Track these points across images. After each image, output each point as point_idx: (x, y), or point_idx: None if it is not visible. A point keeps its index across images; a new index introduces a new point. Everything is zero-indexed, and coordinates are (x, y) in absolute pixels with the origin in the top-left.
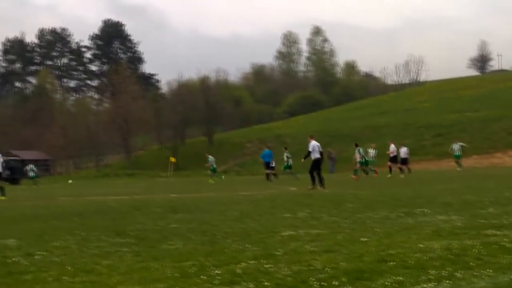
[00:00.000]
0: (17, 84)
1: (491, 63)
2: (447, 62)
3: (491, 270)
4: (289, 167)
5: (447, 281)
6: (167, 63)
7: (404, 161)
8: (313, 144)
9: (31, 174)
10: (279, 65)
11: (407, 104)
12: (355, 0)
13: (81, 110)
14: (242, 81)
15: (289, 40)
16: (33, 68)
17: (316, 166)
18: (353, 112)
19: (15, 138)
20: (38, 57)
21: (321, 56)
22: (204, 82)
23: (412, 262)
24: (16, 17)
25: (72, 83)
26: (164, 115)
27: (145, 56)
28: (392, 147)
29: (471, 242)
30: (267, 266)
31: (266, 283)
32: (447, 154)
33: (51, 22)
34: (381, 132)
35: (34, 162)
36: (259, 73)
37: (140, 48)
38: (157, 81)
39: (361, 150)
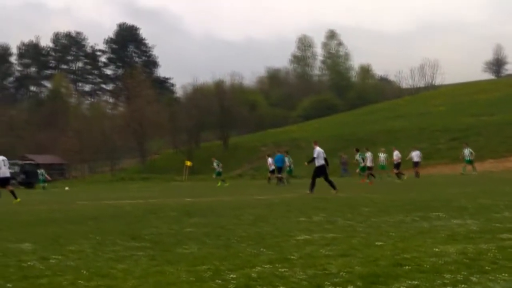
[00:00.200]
0: (32, 88)
1: (507, 66)
2: (462, 66)
3: (506, 274)
4: (290, 171)
5: (463, 285)
6: (181, 67)
7: (416, 165)
8: (318, 150)
9: (40, 178)
10: (294, 69)
11: (422, 108)
12: (369, 4)
13: (96, 114)
14: (257, 85)
15: (304, 44)
16: (48, 72)
17: (320, 172)
18: (368, 116)
19: (30, 142)
20: (53, 61)
21: (336, 60)
22: (219, 86)
23: (428, 266)
24: (31, 21)
25: (87, 87)
26: (179, 119)
27: (159, 60)
28: (396, 153)
29: (486, 246)
30: (282, 270)
31: (281, 287)
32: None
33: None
34: (396, 136)
35: (49, 166)
36: (274, 77)
37: (155, 52)
38: (172, 85)
39: (363, 155)
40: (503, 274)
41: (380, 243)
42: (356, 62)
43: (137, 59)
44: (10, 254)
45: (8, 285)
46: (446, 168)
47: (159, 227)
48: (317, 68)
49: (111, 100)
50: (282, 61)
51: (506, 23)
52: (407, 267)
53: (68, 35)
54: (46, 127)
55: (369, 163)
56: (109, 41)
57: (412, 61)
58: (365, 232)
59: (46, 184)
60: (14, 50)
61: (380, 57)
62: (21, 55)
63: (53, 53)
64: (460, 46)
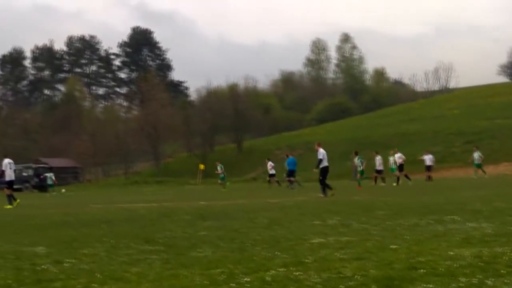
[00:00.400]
0: (46, 91)
1: None
2: (476, 69)
3: None
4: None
5: None
6: (195, 70)
7: (429, 168)
8: (323, 151)
9: (49, 182)
10: (308, 72)
11: (436, 111)
12: (383, 7)
13: (110, 118)
14: (271, 88)
15: (318, 47)
16: (62, 75)
17: (324, 174)
18: (382, 119)
19: (44, 146)
20: (67, 65)
21: (350, 63)
22: (233, 89)
23: (442, 270)
24: (45, 25)
25: (101, 91)
26: (193, 122)
27: (173, 64)
28: (399, 156)
29: (501, 250)
30: (297, 273)
31: None
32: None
33: (79, 30)
34: (411, 139)
35: (63, 169)
36: (288, 80)
37: (169, 55)
38: (186, 88)
39: (362, 159)
40: None
41: (394, 246)
42: (370, 65)
43: (151, 63)
44: (24, 257)
45: None
46: (461, 171)
47: (173, 231)
48: (331, 72)
49: (125, 103)
50: (295, 64)
51: None
52: (422, 270)
53: (81, 39)
54: (60, 131)
55: (378, 167)
56: (123, 45)
57: (427, 64)
58: (380, 236)
59: (55, 187)
60: (28, 53)
61: (394, 60)
62: (35, 59)
63: (67, 57)
64: (475, 49)
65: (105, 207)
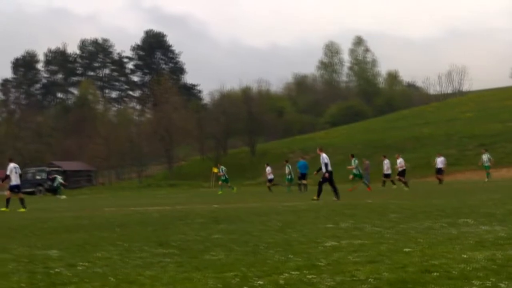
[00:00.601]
0: (59, 95)
1: None
2: (490, 72)
3: None
4: (290, 180)
5: None
6: (208, 73)
7: (440, 171)
8: (326, 156)
9: (56, 184)
10: (321, 75)
11: (450, 114)
12: (396, 11)
13: (123, 121)
14: (284, 91)
15: (331, 50)
16: (75, 79)
17: (327, 178)
18: (396, 122)
19: (57, 149)
20: (80, 68)
21: (363, 66)
22: (246, 92)
23: (456, 273)
24: (57, 28)
25: (114, 94)
26: (206, 125)
27: (186, 67)
28: (400, 161)
29: None
30: (310, 277)
31: None
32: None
33: (92, 33)
34: (424, 143)
35: (77, 172)
36: (301, 83)
37: (181, 58)
38: (199, 91)
39: (356, 162)
40: None
41: (408, 249)
42: (383, 68)
43: (164, 66)
44: (37, 261)
45: None
46: (474, 174)
47: (187, 234)
48: (344, 75)
49: (138, 106)
50: (307, 67)
51: None
52: (435, 273)
53: (94, 42)
54: (73, 134)
55: (386, 171)
56: (136, 48)
57: (440, 67)
58: (393, 239)
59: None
60: (41, 57)
61: (407, 63)
62: (48, 62)
63: (80, 60)
64: (488, 52)
65: (118, 210)
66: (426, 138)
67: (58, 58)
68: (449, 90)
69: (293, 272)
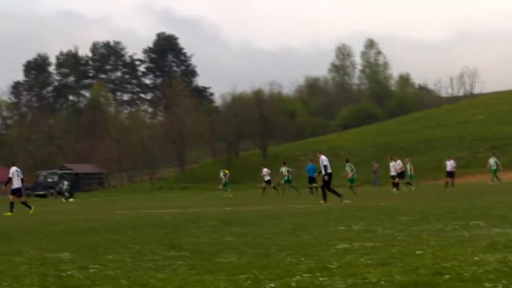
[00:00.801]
0: (71, 97)
1: None
2: (501, 74)
3: None
4: (289, 181)
5: None
6: (219, 76)
7: (451, 174)
8: (326, 158)
9: (64, 189)
10: (332, 77)
11: (461, 116)
12: (408, 13)
13: (135, 123)
14: (296, 93)
15: (343, 52)
16: (87, 81)
17: (327, 180)
18: (407, 125)
19: (69, 152)
20: (91, 71)
21: (375, 69)
22: (257, 95)
23: (468, 275)
24: (69, 31)
25: (126, 96)
26: (218, 128)
27: (198, 69)
28: (398, 163)
29: None
30: (322, 279)
31: None
32: (502, 167)
33: (104, 36)
34: (436, 145)
35: (88, 175)
36: (313, 86)
37: (193, 61)
38: (211, 94)
39: (352, 166)
40: None
41: (420, 252)
42: (395, 71)
43: (175, 69)
44: (49, 263)
45: None
46: (486, 177)
47: (199, 236)
48: (356, 77)
49: (150, 109)
50: (318, 70)
51: None
52: (447, 276)
53: (106, 45)
54: (85, 137)
55: (393, 173)
56: (148, 51)
57: (451, 70)
58: (405, 241)
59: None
60: (52, 59)
61: (419, 66)
62: (59, 65)
63: (91, 63)
64: (500, 54)
65: (130, 213)
66: (438, 140)
67: (70, 60)
68: (461, 93)
69: (305, 275)
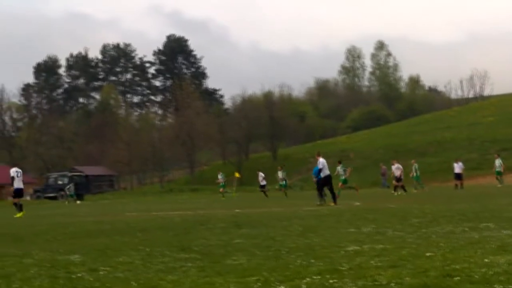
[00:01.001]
0: (81, 99)
1: None
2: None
3: None
4: (284, 185)
5: None
6: (229, 78)
7: (459, 176)
8: (323, 161)
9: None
10: (342, 80)
11: (471, 118)
12: (418, 15)
13: (145, 126)
14: (306, 96)
15: (353, 54)
16: (97, 83)
17: (326, 182)
18: (418, 126)
19: (79, 154)
20: (101, 73)
21: (385, 71)
22: (267, 97)
23: (478, 277)
24: (79, 33)
25: (136, 99)
26: (228, 130)
27: (207, 71)
28: (397, 166)
29: None
30: (332, 281)
31: None
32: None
33: (114, 38)
34: (446, 147)
35: (98, 177)
36: (323, 88)
37: (203, 63)
38: (221, 96)
39: (344, 167)
40: None
41: (430, 254)
42: (405, 73)
43: (185, 71)
44: (59, 265)
45: None
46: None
47: (208, 239)
48: (366, 79)
49: (160, 111)
50: (329, 72)
51: None
52: (457, 278)
53: (116, 47)
54: (95, 139)
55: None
56: (157, 53)
57: (461, 72)
58: (415, 243)
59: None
60: (62, 62)
61: (429, 68)
62: (69, 67)
63: (101, 65)
64: (510, 56)
65: (140, 215)
66: (448, 142)
67: (79, 63)
68: (471, 95)
69: (315, 277)
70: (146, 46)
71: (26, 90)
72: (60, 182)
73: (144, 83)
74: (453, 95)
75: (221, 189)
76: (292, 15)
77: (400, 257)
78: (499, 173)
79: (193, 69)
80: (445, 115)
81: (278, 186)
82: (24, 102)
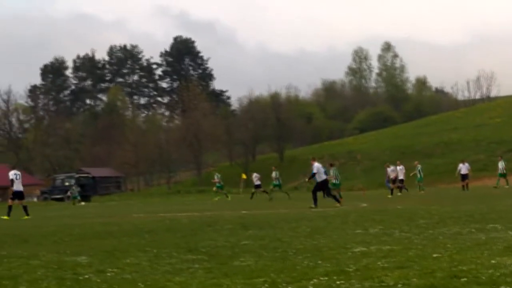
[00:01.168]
0: (88, 101)
1: None
2: None
3: None
4: (278, 185)
5: None
6: (235, 79)
7: (465, 177)
8: (318, 166)
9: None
10: (349, 81)
11: (478, 119)
12: (424, 16)
13: (152, 127)
14: (313, 97)
15: (360, 56)
16: (104, 85)
17: (322, 187)
18: (424, 128)
19: (86, 155)
20: (108, 74)
21: (391, 72)
22: (274, 98)
23: (484, 278)
24: (86, 35)
25: (143, 100)
26: (234, 131)
27: (214, 73)
28: (392, 169)
29: None
30: (339, 282)
31: None
32: None
33: (120, 39)
34: (453, 148)
35: (105, 179)
36: (329, 89)
37: (210, 64)
38: (228, 97)
39: (336, 171)
40: None
41: (436, 255)
42: (411, 74)
43: (192, 72)
44: (66, 267)
45: None
46: (503, 180)
47: (216, 240)
48: (373, 81)
49: (167, 113)
50: (335, 73)
51: None
52: (464, 279)
53: (123, 48)
54: (101, 140)
55: (401, 176)
56: (164, 54)
57: (468, 73)
58: (422, 244)
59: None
60: (69, 63)
61: (435, 69)
62: (76, 68)
63: (108, 66)
64: None
65: (147, 216)
66: (455, 143)
67: (86, 64)
68: (478, 96)
69: (322, 278)
70: (153, 47)
71: (33, 91)
72: (67, 184)
73: (151, 85)
74: (460, 97)
75: (214, 188)
76: (298, 16)
77: (407, 258)
78: (502, 175)
79: (200, 71)
80: (452, 116)
81: (271, 186)
82: (31, 103)
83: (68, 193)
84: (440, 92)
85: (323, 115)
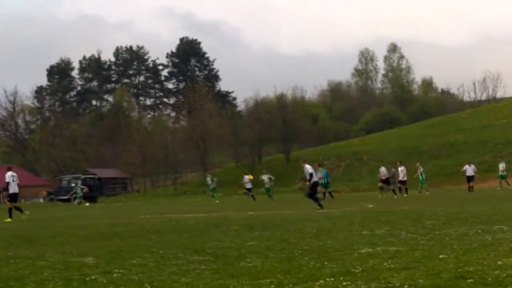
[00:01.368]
0: (94, 102)
1: None
2: None
3: None
4: (267, 189)
5: None
6: (241, 80)
7: (471, 179)
8: (309, 167)
9: (77, 191)
10: (355, 82)
11: (484, 121)
12: (430, 17)
13: (158, 128)
14: (319, 98)
15: (366, 57)
16: (110, 86)
17: (313, 188)
18: (430, 129)
19: (92, 156)
20: (114, 75)
21: (397, 73)
22: (280, 99)
23: (491, 279)
24: (92, 36)
25: (149, 101)
26: (241, 132)
27: (220, 74)
28: (383, 170)
29: None
30: (345, 283)
31: None
32: None
33: (126, 40)
34: (459, 150)
35: (112, 180)
36: (335, 90)
37: (216, 65)
38: (234, 98)
39: (324, 171)
40: None
41: (443, 256)
42: (418, 75)
43: (198, 73)
44: (73, 268)
45: None
46: (509, 181)
47: (222, 241)
48: (379, 82)
49: (173, 114)
50: (341, 74)
51: None
52: (470, 280)
53: (129, 49)
54: (108, 141)
55: (402, 178)
56: (170, 55)
57: (474, 74)
58: (428, 245)
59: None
60: (75, 64)
61: (441, 70)
62: (82, 69)
63: (114, 67)
64: None
65: (153, 217)
66: (461, 145)
67: (92, 65)
68: (484, 97)
69: (328, 279)
70: (159, 48)
71: (39, 92)
72: (73, 185)
73: (157, 86)
74: (466, 98)
75: (210, 192)
76: (304, 17)
77: (413, 259)
78: (502, 177)
79: (206, 72)
80: (458, 117)
81: (263, 189)
82: (37, 104)
83: (69, 195)
84: (446, 93)
85: (329, 116)
